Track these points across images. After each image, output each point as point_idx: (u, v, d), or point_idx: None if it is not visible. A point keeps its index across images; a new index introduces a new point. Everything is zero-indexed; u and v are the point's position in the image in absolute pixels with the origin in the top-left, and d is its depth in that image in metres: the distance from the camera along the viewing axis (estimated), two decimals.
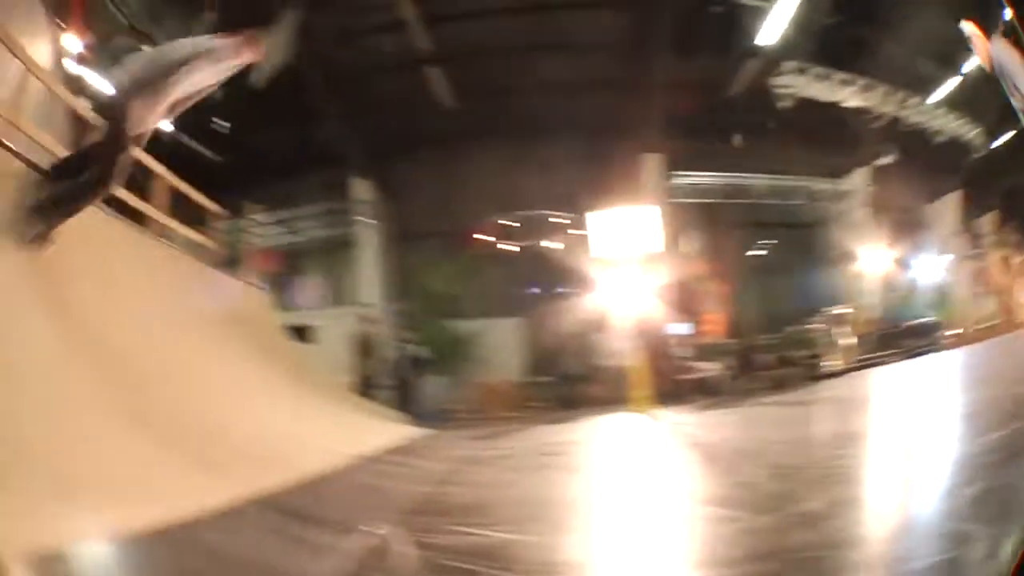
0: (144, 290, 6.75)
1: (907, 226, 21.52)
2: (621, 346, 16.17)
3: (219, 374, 6.32)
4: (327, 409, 8.05)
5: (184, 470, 3.74)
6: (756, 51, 19.01)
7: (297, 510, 3.53)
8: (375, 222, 21.76)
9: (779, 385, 15.50)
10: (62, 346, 4.39)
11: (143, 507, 3.01)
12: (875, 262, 20.68)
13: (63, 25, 12.97)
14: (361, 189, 21.76)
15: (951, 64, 20.11)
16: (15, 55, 8.48)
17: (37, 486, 2.85)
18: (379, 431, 7.78)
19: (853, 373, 15.80)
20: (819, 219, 22.36)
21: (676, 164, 20.81)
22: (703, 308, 19.26)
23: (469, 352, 19.63)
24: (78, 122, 11.09)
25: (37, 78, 8.43)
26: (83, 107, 9.76)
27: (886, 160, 20.75)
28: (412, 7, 17.95)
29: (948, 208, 21.91)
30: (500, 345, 19.75)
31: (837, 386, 13.88)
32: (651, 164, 20.55)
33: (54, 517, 2.67)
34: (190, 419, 4.63)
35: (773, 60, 18.92)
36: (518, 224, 21.01)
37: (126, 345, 5.21)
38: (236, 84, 7.07)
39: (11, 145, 5.95)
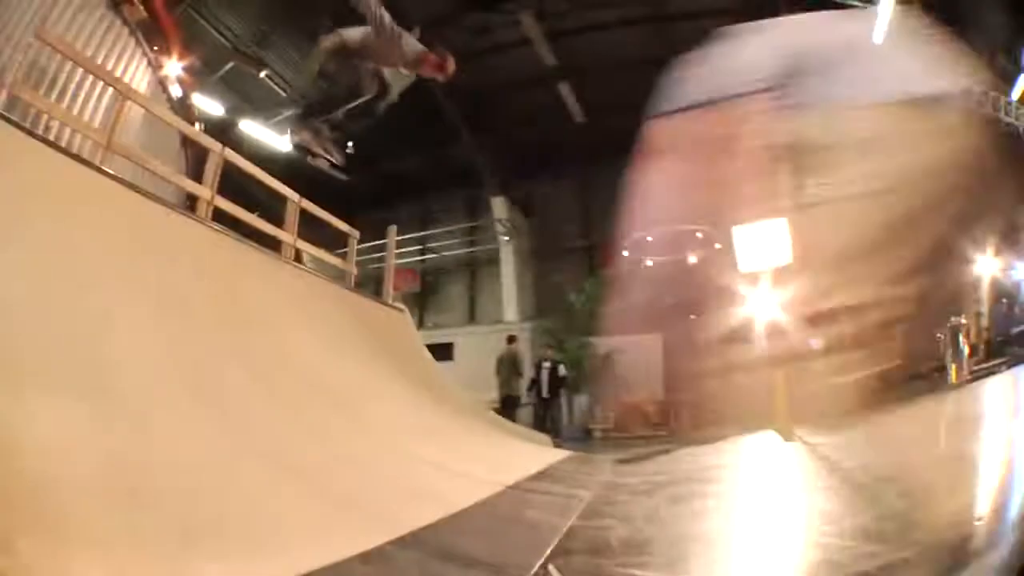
0: (281, 316, 6.59)
1: (1011, 230, 20.19)
2: (761, 362, 15.97)
3: (361, 399, 6.10)
4: (471, 433, 7.74)
5: (327, 508, 3.39)
6: None
7: (445, 549, 3.15)
8: (512, 239, 21.82)
9: (909, 398, 14.17)
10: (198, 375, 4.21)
11: (282, 553, 2.66)
12: (985, 268, 19.96)
13: (161, 52, 13.30)
14: (498, 207, 21.86)
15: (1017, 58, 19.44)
16: (112, 85, 8.58)
17: (162, 533, 2.50)
18: (522, 455, 7.42)
19: (972, 384, 14.95)
20: None
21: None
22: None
23: (610, 369, 19.26)
24: (192, 145, 11.35)
25: (139, 105, 8.48)
26: (192, 130, 9.91)
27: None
28: (535, 24, 17.93)
29: None
30: (640, 362, 19.32)
31: (962, 399, 13.05)
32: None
33: (184, 568, 2.32)
34: (335, 452, 4.37)
35: None
36: (655, 238, 20.53)
37: (272, 373, 5.04)
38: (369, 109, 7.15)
39: (108, 169, 5.82)
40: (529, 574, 2.80)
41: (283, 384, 5.03)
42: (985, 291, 19.92)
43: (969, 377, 15.51)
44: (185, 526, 2.58)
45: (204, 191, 8.01)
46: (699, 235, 20.15)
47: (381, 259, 16.60)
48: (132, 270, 4.55)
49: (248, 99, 19.90)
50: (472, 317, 22.77)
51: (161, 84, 13.52)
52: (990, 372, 16.13)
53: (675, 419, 17.96)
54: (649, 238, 20.55)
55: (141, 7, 12.43)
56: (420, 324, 23.04)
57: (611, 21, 18.67)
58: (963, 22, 18.91)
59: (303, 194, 9.96)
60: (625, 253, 20.61)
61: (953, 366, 15.56)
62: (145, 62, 12.88)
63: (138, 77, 12.57)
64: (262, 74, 19.33)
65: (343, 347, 6.93)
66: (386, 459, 4.78)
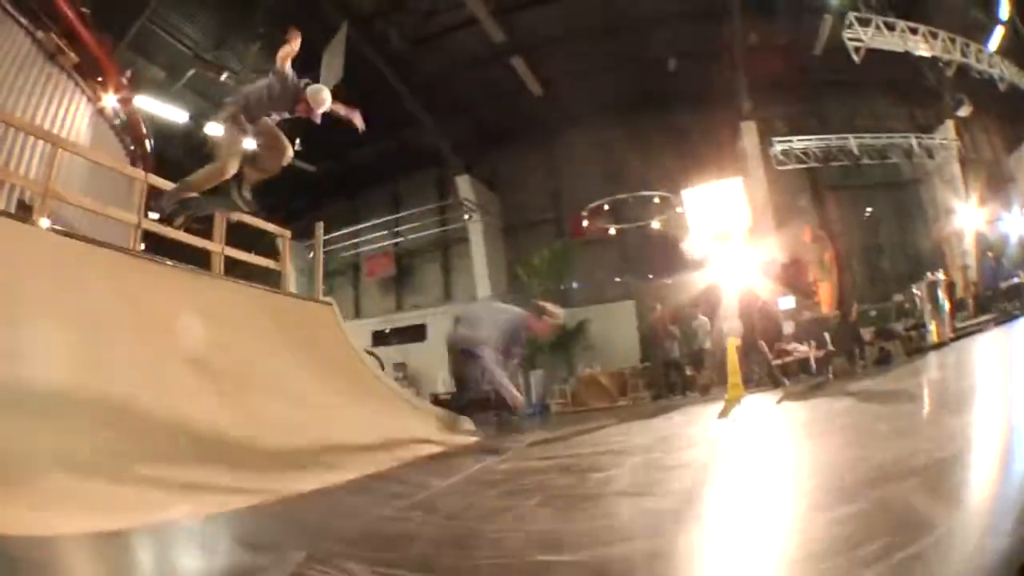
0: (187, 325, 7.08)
1: (995, 181, 20.92)
2: (725, 327, 15.69)
3: (252, 391, 6.56)
4: (367, 421, 8.04)
5: (173, 484, 3.88)
6: (827, 6, 18.79)
7: (233, 532, 3.49)
8: (478, 217, 22.39)
9: (884, 360, 14.52)
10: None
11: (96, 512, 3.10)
12: (969, 220, 20.07)
13: (101, 86, 14.94)
14: (463, 185, 22.39)
15: (993, 10, 20.10)
16: (43, 139, 9.45)
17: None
18: (413, 442, 7.68)
19: (954, 344, 14.66)
20: (916, 177, 21.84)
21: (773, 131, 20.54)
22: (809, 280, 18.94)
23: (572, 341, 19.63)
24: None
25: (67, 151, 9.18)
26: (112, 161, 10.68)
27: (965, 111, 20.17)
28: (481, 2, 18.22)
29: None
30: (604, 332, 19.73)
31: (942, 363, 12.22)
32: (749, 132, 20.41)
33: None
34: (205, 438, 4.87)
35: (843, 13, 18.50)
36: (614, 207, 21.28)
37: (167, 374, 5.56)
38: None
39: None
40: (285, 563, 3.11)
41: (174, 380, 5.58)
42: (970, 244, 19.94)
43: (953, 335, 15.24)
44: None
45: (131, 217, 8.67)
46: (656, 200, 20.50)
47: (354, 246, 17.20)
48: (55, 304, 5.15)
49: (215, 103, 20.49)
50: (448, 296, 23.42)
51: (101, 114, 14.48)
52: (979, 329, 15.98)
53: (634, 390, 18.02)
54: (606, 206, 21.07)
55: (73, 54, 13.82)
56: (399, 307, 23.69)
57: None
58: None
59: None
60: (585, 223, 21.11)
61: (934, 324, 15.23)
62: (84, 99, 14.19)
63: (80, 113, 13.97)
64: (223, 77, 19.92)
65: (238, 345, 7.37)
66: (259, 444, 5.22)
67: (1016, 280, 17.97)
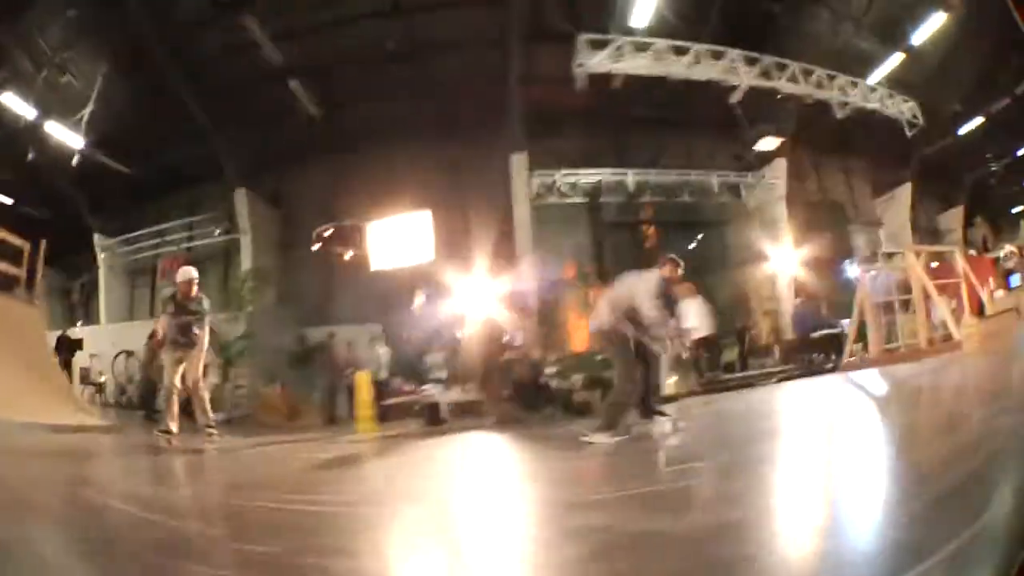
0: None
1: (831, 224, 21.77)
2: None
3: None
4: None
5: None
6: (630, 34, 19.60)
7: None
8: (247, 232, 24.10)
9: (581, 412, 14.81)
10: None
11: None
12: (785, 265, 20.81)
13: None
14: (239, 199, 24.05)
15: (892, 40, 20.80)
16: None
17: None
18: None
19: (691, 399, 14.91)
20: (722, 218, 22.51)
21: (552, 164, 21.59)
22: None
23: (326, 356, 20.88)
24: None
25: None
26: None
27: (768, 144, 21.05)
28: (256, 23, 19.81)
29: (898, 204, 22.43)
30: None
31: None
32: (518, 165, 21.47)
33: None
34: None
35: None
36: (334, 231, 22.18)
37: None
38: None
39: None
40: None
41: None
42: (784, 288, 20.79)
43: (700, 389, 15.94)
44: None
45: None
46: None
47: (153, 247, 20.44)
48: None
49: (61, 100, 23.16)
50: (226, 304, 25.18)
51: None
52: (737, 385, 16.91)
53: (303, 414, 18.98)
54: (328, 232, 22.27)
55: None
56: None
57: (343, 16, 20.45)
58: None
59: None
60: (315, 247, 22.34)
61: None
62: None
63: None
64: (65, 77, 22.94)
65: None
66: None
67: (830, 330, 18.23)
